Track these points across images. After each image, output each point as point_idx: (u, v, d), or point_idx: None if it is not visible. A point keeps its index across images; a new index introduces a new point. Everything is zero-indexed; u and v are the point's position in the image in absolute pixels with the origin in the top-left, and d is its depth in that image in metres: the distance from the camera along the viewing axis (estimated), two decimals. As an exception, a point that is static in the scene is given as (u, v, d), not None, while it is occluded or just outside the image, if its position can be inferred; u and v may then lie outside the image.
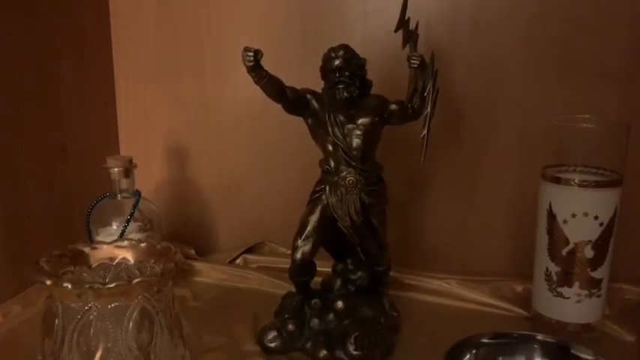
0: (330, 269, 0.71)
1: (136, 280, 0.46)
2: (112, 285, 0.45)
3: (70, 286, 0.44)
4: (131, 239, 0.56)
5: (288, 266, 0.65)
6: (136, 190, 0.76)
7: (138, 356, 0.47)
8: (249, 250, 0.91)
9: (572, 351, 0.53)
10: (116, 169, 0.74)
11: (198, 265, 0.86)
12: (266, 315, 0.69)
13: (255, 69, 0.56)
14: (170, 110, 0.93)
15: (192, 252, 0.89)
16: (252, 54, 0.55)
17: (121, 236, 0.72)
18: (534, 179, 0.69)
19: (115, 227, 0.75)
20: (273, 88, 0.58)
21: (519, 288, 0.78)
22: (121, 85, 0.95)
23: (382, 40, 0.81)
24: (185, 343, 0.52)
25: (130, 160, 0.76)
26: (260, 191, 0.92)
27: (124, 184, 0.75)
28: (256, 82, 0.57)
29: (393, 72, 0.73)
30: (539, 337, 0.55)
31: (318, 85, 0.64)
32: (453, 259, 0.86)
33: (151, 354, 0.48)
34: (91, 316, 0.46)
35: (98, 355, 0.46)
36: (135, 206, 0.74)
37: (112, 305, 0.46)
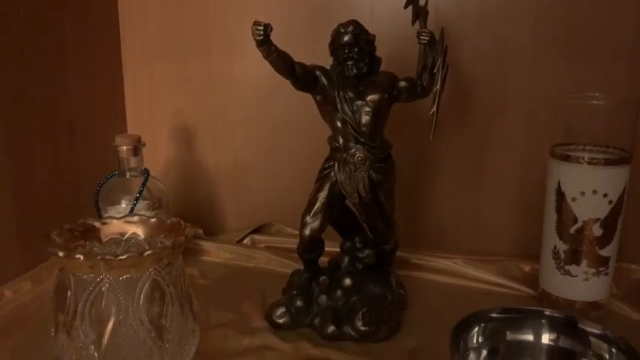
0: (338, 249, 0.71)
1: (147, 253, 0.46)
2: (124, 256, 0.45)
3: (82, 258, 0.45)
4: (141, 214, 0.56)
5: (295, 246, 0.65)
6: (145, 168, 0.76)
7: (149, 329, 0.47)
8: (256, 231, 0.92)
9: (579, 325, 0.53)
10: (125, 147, 0.74)
11: (206, 245, 0.87)
12: (273, 293, 0.70)
13: (264, 43, 0.55)
14: (177, 91, 0.93)
15: (201, 232, 0.90)
16: (261, 28, 0.54)
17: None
18: (542, 158, 0.69)
19: (123, 205, 0.75)
20: (283, 63, 0.58)
21: (527, 267, 0.79)
22: (128, 65, 0.95)
23: (390, 19, 0.81)
24: (195, 317, 0.52)
25: (139, 139, 0.76)
26: (267, 172, 0.92)
27: (133, 162, 0.75)
28: (265, 57, 0.57)
29: (401, 51, 0.73)
30: (547, 312, 0.55)
31: (327, 63, 0.64)
32: (460, 238, 0.86)
33: (162, 327, 0.48)
34: (103, 288, 0.46)
35: (110, 325, 0.46)
36: (144, 184, 0.74)
37: (124, 277, 0.46)
